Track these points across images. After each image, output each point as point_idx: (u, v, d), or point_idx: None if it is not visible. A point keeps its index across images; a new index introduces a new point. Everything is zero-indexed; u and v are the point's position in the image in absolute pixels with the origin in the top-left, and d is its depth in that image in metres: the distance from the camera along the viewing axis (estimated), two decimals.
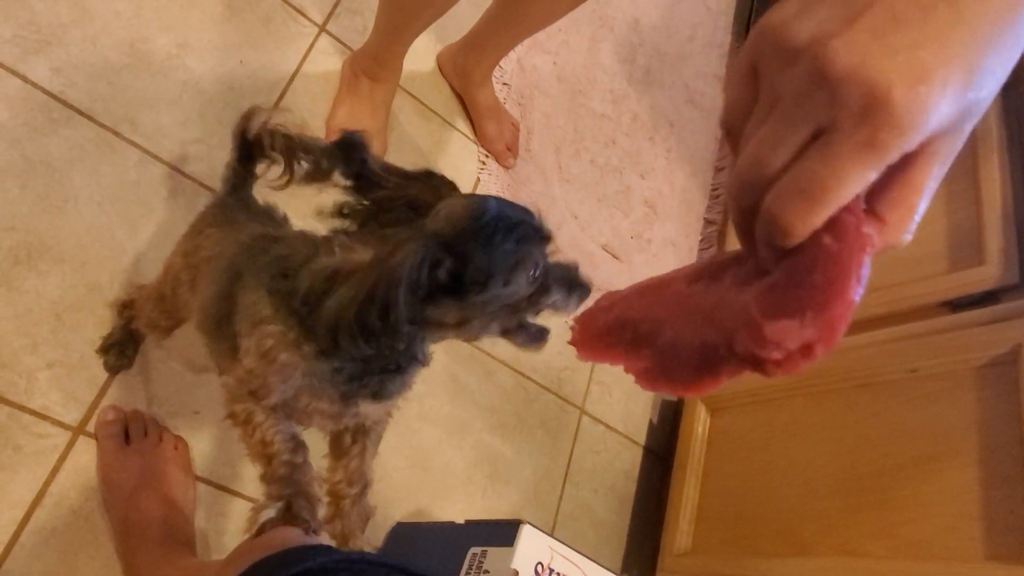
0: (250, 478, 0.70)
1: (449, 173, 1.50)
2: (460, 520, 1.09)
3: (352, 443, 0.79)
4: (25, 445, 0.92)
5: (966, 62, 0.27)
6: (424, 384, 1.28)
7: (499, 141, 1.50)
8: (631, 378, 0.42)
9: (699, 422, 1.47)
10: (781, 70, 0.29)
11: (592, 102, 1.73)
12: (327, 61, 1.32)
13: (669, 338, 0.37)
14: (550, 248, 0.66)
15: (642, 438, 1.59)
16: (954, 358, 1.11)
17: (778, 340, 0.30)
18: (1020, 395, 1.01)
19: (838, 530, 1.13)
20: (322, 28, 1.33)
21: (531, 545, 0.95)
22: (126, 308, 0.97)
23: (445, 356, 1.32)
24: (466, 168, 1.47)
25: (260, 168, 0.87)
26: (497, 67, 1.57)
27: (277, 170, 0.79)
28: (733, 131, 0.33)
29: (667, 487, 1.46)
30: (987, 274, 1.19)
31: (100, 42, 1.10)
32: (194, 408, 1.03)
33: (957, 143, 0.30)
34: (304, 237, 0.73)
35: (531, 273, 0.63)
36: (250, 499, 0.98)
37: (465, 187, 1.46)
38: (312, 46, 1.31)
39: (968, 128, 0.29)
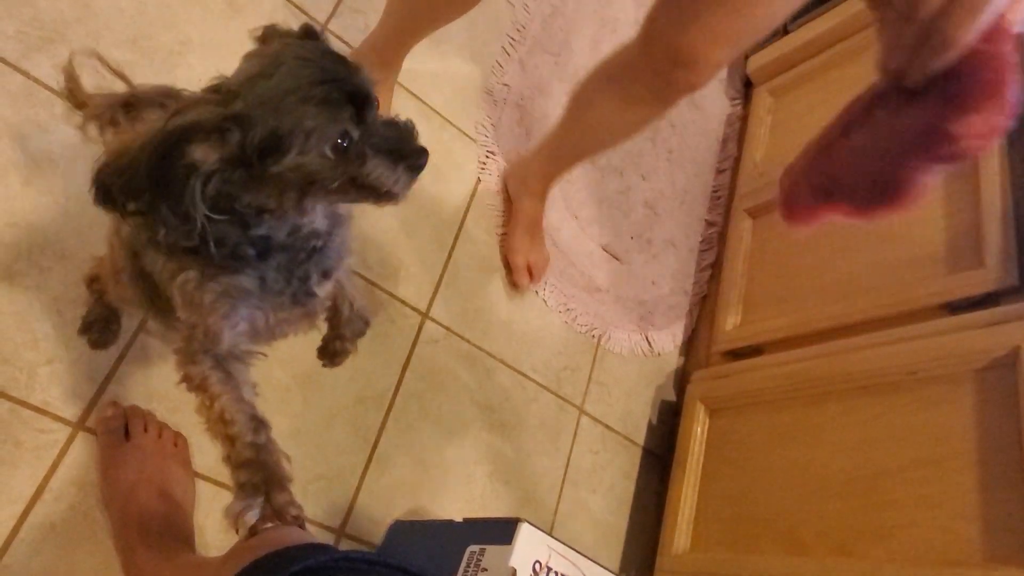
0: None
1: (450, 172, 1.50)
2: (458, 518, 1.10)
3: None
4: (25, 440, 0.92)
5: None
6: (423, 382, 1.28)
7: (520, 254, 1.42)
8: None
9: (698, 423, 1.47)
10: None
11: None
12: None
13: (853, 181, 0.48)
14: (375, 112, 0.58)
15: (641, 438, 1.59)
16: (953, 361, 1.11)
17: (970, 131, 0.42)
18: (1019, 398, 1.01)
19: (837, 532, 1.13)
20: (324, 27, 1.34)
21: (529, 543, 0.95)
22: (94, 282, 0.95)
23: (445, 355, 1.32)
24: (467, 167, 1.47)
25: None
26: (497, 66, 1.57)
27: None
28: None
29: (666, 487, 1.46)
30: (986, 276, 1.19)
31: (103, 39, 1.10)
32: (194, 404, 1.03)
33: None
34: None
35: (338, 142, 0.56)
36: None
37: (466, 186, 1.46)
38: None
39: None
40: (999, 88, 0.41)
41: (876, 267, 1.38)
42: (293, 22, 1.29)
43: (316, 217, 0.66)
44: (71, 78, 0.79)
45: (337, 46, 1.32)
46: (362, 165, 0.58)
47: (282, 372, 1.13)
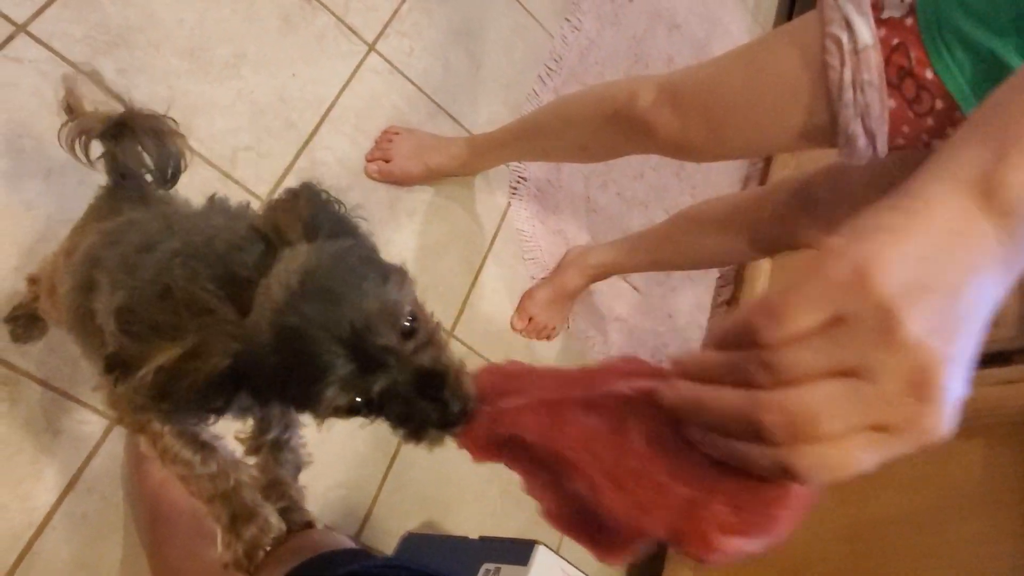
0: None
1: (482, 196, 1.54)
2: (474, 535, 1.12)
3: None
4: (64, 430, 0.95)
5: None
6: None
7: (534, 306, 1.45)
8: None
9: None
10: (880, 348, 0.32)
11: None
12: (374, 79, 1.37)
13: (582, 492, 0.38)
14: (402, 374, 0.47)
15: None
16: (964, 415, 1.13)
17: (726, 550, 0.35)
18: None
19: (840, 575, 1.15)
20: (371, 47, 1.38)
21: (545, 566, 0.97)
22: (34, 284, 0.90)
23: None
24: (499, 191, 1.51)
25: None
26: (532, 93, 1.62)
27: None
28: (762, 339, 0.34)
29: None
30: (999, 335, 1.22)
31: (163, 47, 1.14)
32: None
33: None
34: (161, 216, 0.65)
35: (354, 402, 0.49)
36: None
37: (497, 210, 1.49)
38: (361, 64, 1.35)
39: None
40: (784, 526, 0.35)
41: None
42: (343, 41, 1.33)
43: None
44: (71, 92, 0.75)
45: (383, 66, 1.37)
46: (380, 417, 0.51)
47: None
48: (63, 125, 0.74)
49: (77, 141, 0.75)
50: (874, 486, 1.19)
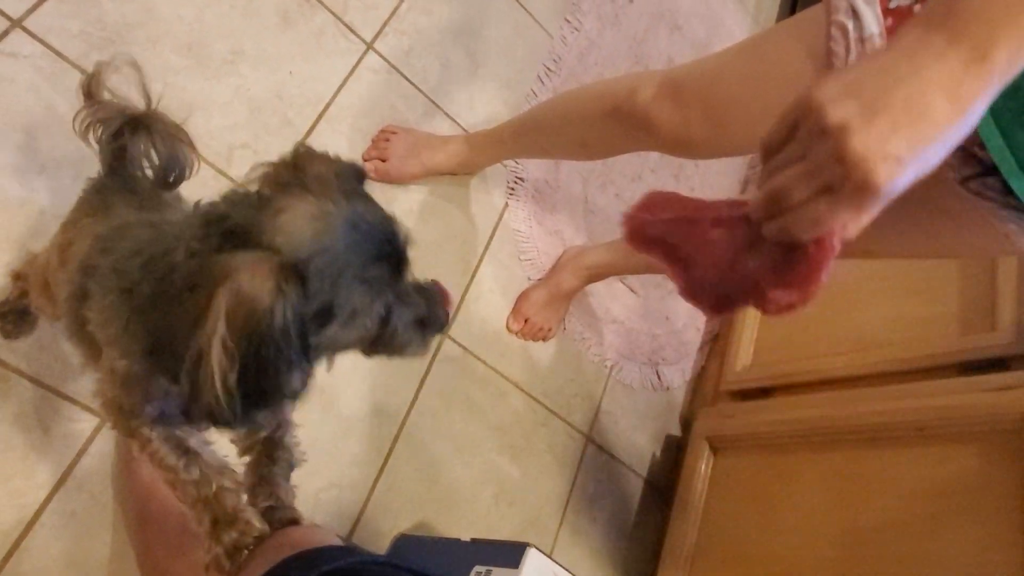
0: None
1: (479, 196, 1.53)
2: (465, 537, 1.11)
3: None
4: (54, 428, 0.95)
5: (927, 157, 0.44)
6: (438, 399, 1.30)
7: (529, 307, 1.44)
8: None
9: (702, 460, 1.49)
10: (815, 138, 0.46)
11: None
12: (372, 78, 1.36)
13: (698, 275, 0.56)
14: (407, 275, 0.60)
15: (644, 470, 1.61)
16: (962, 421, 1.13)
17: (775, 301, 0.51)
18: None
19: None
20: (370, 46, 1.37)
21: (536, 569, 0.97)
22: (19, 279, 0.90)
23: (462, 374, 1.34)
24: (496, 191, 1.50)
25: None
26: (531, 94, 1.61)
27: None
28: (768, 151, 0.51)
29: (666, 521, 1.48)
30: (997, 340, 1.21)
31: (161, 44, 1.14)
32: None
33: None
34: (152, 225, 0.66)
35: (375, 317, 0.58)
36: None
37: (494, 210, 1.49)
38: (359, 62, 1.35)
39: None
40: (809, 282, 0.49)
41: (890, 321, 1.40)
42: (341, 39, 1.33)
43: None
44: (96, 77, 0.75)
45: (381, 65, 1.36)
46: (393, 336, 0.60)
47: None
48: (79, 111, 0.74)
49: (92, 129, 0.75)
50: (868, 493, 1.18)
